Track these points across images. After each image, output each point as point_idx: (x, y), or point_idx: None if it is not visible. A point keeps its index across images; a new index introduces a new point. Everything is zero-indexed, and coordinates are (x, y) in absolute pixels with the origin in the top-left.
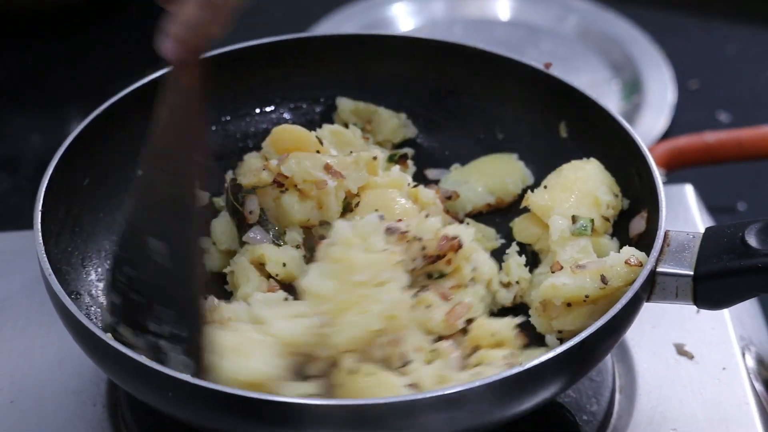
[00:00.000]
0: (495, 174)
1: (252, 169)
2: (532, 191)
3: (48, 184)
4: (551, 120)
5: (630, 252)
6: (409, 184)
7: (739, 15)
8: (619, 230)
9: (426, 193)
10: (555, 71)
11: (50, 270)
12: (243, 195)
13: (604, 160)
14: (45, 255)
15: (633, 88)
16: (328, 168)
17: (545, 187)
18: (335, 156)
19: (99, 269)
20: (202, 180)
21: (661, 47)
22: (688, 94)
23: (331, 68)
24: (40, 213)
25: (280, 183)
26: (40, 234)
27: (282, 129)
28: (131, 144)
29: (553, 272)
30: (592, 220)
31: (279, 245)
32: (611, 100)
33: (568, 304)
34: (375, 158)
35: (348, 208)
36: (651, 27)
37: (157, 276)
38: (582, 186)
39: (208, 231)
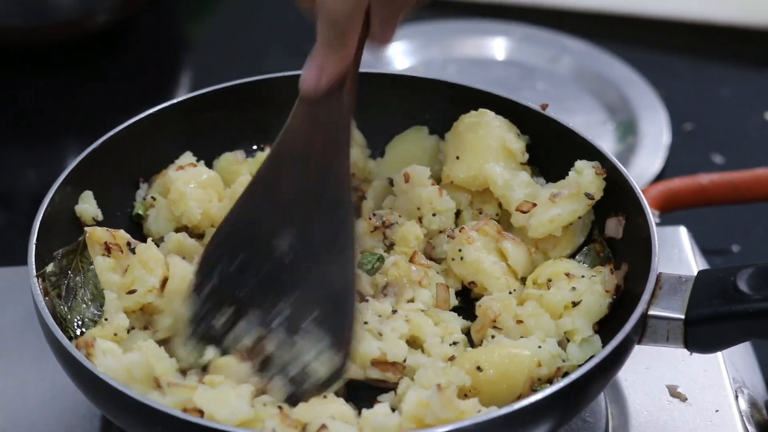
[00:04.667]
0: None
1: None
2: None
3: (42, 218)
4: (546, 160)
5: (587, 164)
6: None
7: (733, 58)
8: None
9: None
10: (550, 112)
11: (43, 303)
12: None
13: (598, 201)
14: (38, 288)
15: (627, 129)
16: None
17: (457, 157)
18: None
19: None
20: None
21: (656, 89)
22: (683, 135)
23: None
24: (34, 246)
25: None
26: (33, 267)
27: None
28: (127, 178)
29: (525, 212)
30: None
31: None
32: (606, 142)
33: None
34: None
35: None
36: (646, 69)
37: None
38: (490, 142)
39: None
